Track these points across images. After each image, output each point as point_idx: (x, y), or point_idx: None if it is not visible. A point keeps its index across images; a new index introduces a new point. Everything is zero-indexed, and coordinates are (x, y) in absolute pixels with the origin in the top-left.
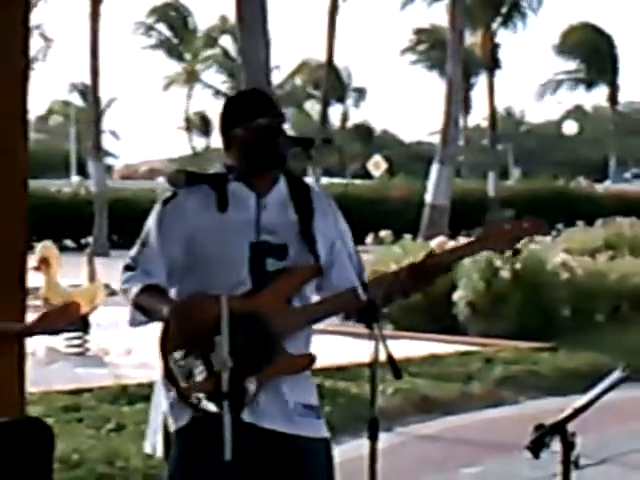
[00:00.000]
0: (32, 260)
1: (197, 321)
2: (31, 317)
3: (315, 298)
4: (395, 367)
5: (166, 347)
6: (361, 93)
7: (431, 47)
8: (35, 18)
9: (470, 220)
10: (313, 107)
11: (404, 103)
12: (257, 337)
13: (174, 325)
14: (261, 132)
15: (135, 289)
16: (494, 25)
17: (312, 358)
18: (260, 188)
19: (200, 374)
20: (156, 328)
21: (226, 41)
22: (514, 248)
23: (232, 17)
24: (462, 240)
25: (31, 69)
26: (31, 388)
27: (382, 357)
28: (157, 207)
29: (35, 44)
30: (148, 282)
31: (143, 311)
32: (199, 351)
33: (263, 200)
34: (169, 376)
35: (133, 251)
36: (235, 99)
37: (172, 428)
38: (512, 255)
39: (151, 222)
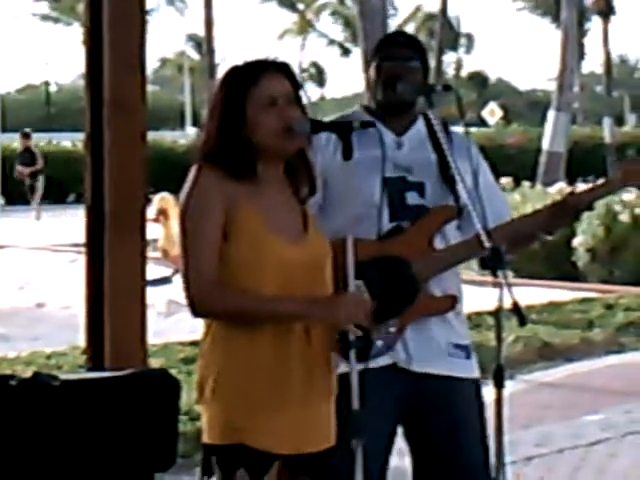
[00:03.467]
0: (150, 212)
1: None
2: (150, 269)
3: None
4: (520, 314)
5: None
6: (470, 40)
7: None
8: None
9: (586, 167)
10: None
11: (517, 51)
12: (397, 280)
13: None
14: (384, 75)
15: None
16: None
17: (455, 299)
18: (396, 127)
19: None
20: None
21: None
22: None
23: None
24: (581, 186)
25: (147, 21)
26: (152, 340)
27: (506, 304)
28: None
29: None
30: None
31: None
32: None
33: (399, 139)
34: None
35: None
36: (380, 40)
37: None
38: None
39: None
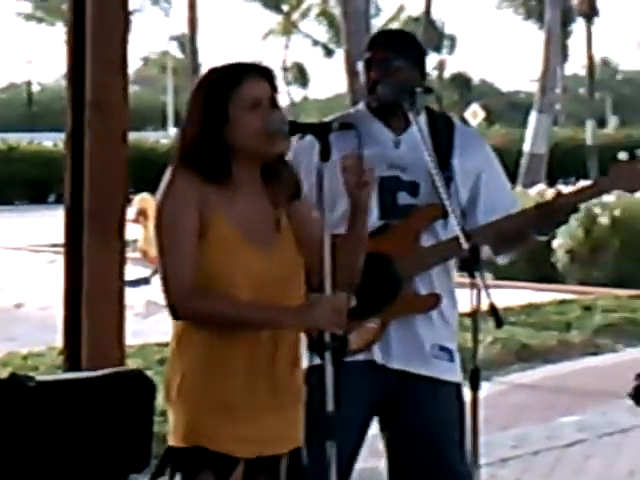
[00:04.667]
0: (130, 212)
1: None
2: (129, 270)
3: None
4: (497, 316)
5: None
6: (452, 41)
7: None
8: None
9: (567, 168)
10: None
11: (500, 52)
12: (379, 277)
13: None
14: (367, 78)
15: None
16: None
17: (438, 298)
18: (395, 126)
19: None
20: None
21: None
22: None
23: None
24: (560, 188)
25: (130, 22)
26: (129, 341)
27: (483, 306)
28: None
29: None
30: None
31: None
32: None
33: (397, 138)
34: None
35: None
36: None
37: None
38: None
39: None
